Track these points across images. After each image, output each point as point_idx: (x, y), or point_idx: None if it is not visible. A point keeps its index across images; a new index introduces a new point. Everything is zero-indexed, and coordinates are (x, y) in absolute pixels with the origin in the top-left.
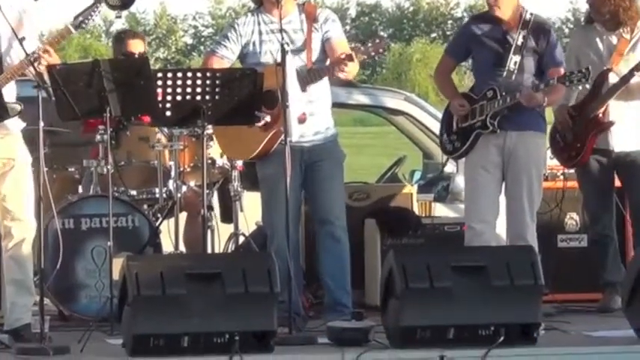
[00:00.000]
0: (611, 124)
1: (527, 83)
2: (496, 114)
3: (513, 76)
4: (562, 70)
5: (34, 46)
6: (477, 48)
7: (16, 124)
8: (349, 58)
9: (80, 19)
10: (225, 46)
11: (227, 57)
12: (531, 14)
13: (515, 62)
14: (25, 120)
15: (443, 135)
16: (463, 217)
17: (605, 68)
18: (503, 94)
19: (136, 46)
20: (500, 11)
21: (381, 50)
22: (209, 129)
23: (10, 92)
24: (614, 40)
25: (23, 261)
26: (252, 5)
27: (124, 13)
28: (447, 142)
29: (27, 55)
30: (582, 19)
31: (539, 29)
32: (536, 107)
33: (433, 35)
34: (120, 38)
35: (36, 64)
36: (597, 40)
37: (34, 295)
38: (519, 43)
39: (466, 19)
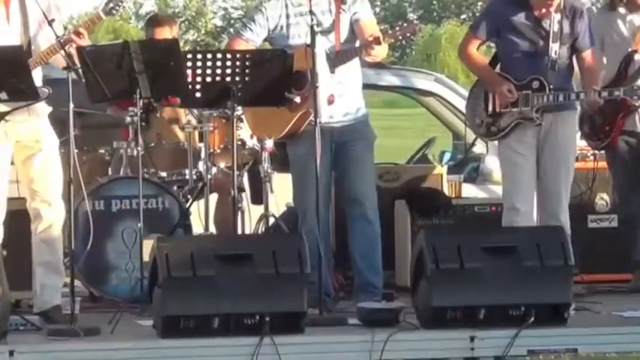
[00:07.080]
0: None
1: (572, 75)
2: (542, 108)
3: (557, 67)
4: (591, 52)
5: (60, 30)
6: (510, 33)
7: (42, 108)
8: (377, 41)
9: (111, 5)
10: (251, 29)
11: (252, 40)
12: None
13: (556, 51)
14: (54, 102)
15: (475, 115)
16: (493, 198)
17: (630, 50)
18: (552, 87)
19: (162, 34)
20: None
21: (408, 34)
22: (239, 110)
23: (37, 76)
24: (637, 20)
25: (53, 243)
26: None
27: None
28: (479, 124)
29: (57, 37)
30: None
31: (573, 12)
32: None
33: (463, 17)
34: (147, 25)
35: (66, 47)
36: (619, 21)
37: (63, 276)
38: (556, 29)
39: None
